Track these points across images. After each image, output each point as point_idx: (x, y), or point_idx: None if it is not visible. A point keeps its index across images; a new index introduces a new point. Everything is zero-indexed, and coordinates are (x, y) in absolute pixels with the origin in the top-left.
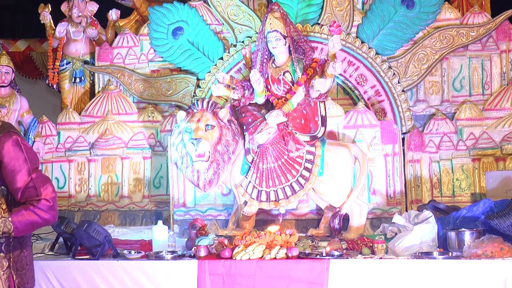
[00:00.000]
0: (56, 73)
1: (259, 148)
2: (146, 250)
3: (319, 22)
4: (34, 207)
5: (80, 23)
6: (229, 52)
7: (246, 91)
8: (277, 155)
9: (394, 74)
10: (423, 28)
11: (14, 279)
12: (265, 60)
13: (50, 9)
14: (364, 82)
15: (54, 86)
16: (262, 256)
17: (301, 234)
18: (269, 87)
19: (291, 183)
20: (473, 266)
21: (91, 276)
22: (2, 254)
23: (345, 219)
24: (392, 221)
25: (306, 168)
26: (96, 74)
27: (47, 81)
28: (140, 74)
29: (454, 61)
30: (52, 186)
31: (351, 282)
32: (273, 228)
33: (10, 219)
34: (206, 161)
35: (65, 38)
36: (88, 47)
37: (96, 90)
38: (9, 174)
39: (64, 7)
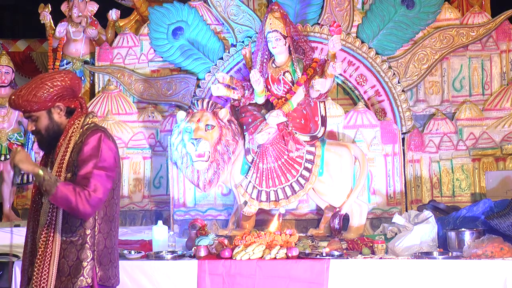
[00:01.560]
0: None
1: (259, 148)
2: (146, 250)
3: (319, 22)
4: (80, 190)
5: (80, 23)
6: (229, 52)
7: (246, 91)
8: (277, 155)
9: (394, 74)
10: (423, 28)
11: (97, 271)
12: (265, 60)
13: (50, 9)
14: (364, 82)
15: None
16: (262, 256)
17: (301, 234)
18: (269, 87)
19: (291, 183)
20: (473, 266)
21: None
22: (87, 245)
23: (345, 219)
24: (392, 221)
25: (306, 168)
26: (96, 74)
27: None
28: (140, 74)
29: (454, 61)
30: (106, 191)
31: (351, 282)
32: (274, 224)
33: (57, 183)
34: (206, 161)
35: (65, 38)
36: (88, 47)
37: (96, 90)
38: (80, 161)
39: (64, 7)
